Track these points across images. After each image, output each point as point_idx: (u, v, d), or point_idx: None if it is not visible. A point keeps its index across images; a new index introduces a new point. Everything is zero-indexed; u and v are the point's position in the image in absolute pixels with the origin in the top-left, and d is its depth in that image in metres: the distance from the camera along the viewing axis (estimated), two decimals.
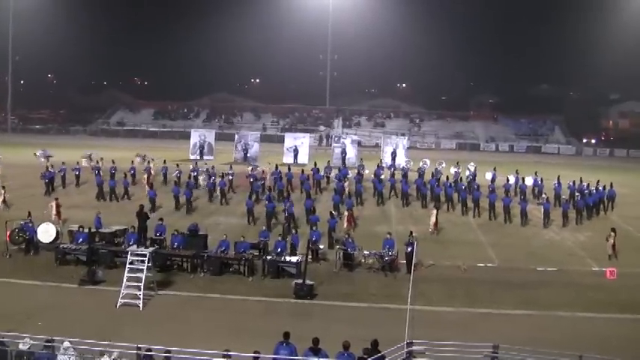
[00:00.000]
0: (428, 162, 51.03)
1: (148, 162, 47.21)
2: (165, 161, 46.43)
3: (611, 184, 41.87)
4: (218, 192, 40.07)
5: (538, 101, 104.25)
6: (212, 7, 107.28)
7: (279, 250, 27.02)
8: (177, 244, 27.17)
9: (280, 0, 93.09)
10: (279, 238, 28.17)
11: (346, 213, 34.19)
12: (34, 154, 54.25)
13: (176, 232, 27.81)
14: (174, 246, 27.17)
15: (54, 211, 32.72)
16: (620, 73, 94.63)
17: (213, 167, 45.85)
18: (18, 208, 35.18)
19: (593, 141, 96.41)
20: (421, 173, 45.15)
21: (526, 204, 37.75)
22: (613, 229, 31.00)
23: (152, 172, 43.95)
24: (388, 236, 28.42)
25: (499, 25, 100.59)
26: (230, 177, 42.42)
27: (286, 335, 15.93)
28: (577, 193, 40.01)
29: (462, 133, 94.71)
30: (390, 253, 27.34)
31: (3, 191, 37.10)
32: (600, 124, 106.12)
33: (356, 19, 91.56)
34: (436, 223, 34.32)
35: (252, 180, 41.05)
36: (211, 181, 41.16)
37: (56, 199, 34.40)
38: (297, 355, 15.75)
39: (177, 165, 44.49)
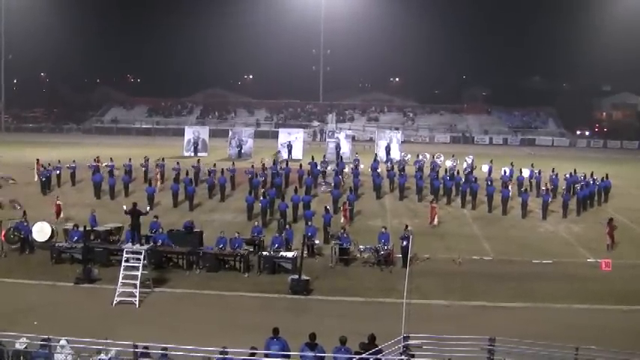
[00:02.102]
0: (428, 155, 50.98)
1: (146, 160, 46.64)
2: (163, 159, 46.00)
3: (607, 175, 41.91)
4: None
5: (531, 93, 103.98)
6: (204, 3, 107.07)
7: (275, 245, 27.00)
8: (161, 241, 27.07)
9: None
10: (276, 234, 28.16)
11: (342, 207, 34.16)
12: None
13: (161, 230, 27.79)
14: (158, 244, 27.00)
15: (55, 210, 32.73)
16: (613, 64, 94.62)
17: (214, 164, 45.49)
18: (13, 207, 35.09)
19: (586, 133, 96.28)
20: (420, 167, 45.10)
21: (527, 196, 37.70)
22: (611, 219, 31.19)
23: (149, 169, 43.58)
24: (383, 230, 28.50)
25: (491, 18, 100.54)
26: (231, 173, 42.17)
27: (275, 331, 16.00)
28: (577, 185, 40.08)
29: (456, 127, 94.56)
30: (385, 247, 27.39)
31: None
32: (593, 115, 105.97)
33: (348, 14, 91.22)
34: (433, 217, 34.41)
35: (250, 176, 40.85)
36: (211, 176, 40.97)
37: (57, 197, 34.50)
38: (288, 350, 15.80)
39: (178, 163, 44.16)
